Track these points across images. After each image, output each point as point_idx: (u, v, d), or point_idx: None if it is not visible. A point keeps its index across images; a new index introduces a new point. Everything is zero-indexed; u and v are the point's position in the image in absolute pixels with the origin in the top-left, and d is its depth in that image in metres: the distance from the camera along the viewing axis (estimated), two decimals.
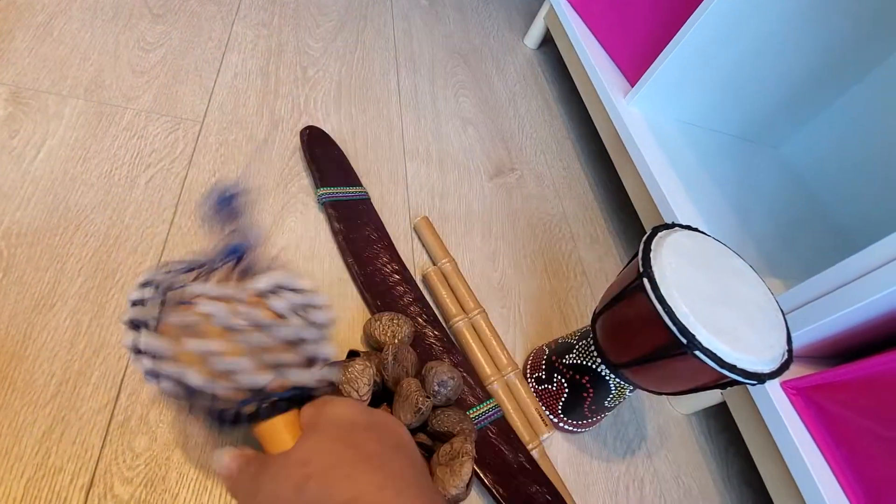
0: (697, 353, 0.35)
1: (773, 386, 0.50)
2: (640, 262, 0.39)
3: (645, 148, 0.71)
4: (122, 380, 0.43)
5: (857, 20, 0.70)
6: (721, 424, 0.62)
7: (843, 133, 0.83)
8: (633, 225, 0.82)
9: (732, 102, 0.80)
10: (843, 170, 0.82)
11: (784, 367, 0.37)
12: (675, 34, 0.69)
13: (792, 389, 0.51)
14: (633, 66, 0.81)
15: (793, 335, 0.40)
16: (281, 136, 0.67)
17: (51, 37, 0.64)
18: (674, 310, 0.37)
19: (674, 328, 0.36)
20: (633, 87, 0.77)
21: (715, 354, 0.35)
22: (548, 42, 1.10)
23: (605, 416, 0.53)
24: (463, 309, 0.57)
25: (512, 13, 1.17)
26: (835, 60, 0.76)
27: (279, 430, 0.30)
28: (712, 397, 0.57)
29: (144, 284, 0.32)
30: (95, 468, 0.38)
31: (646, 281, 0.38)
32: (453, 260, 0.61)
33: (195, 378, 0.29)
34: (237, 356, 0.29)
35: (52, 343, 0.43)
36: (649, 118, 0.76)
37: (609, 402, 0.49)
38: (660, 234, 0.42)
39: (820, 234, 0.77)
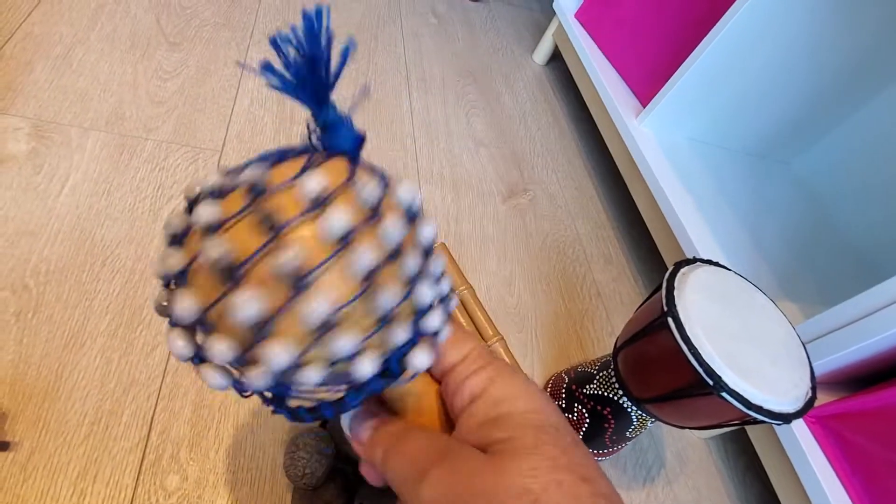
0: (724, 394, 0.36)
1: None
2: (664, 301, 0.40)
3: (657, 168, 0.71)
4: (153, 417, 0.43)
5: (871, 37, 0.70)
6: (739, 447, 0.62)
7: (857, 150, 0.83)
8: (646, 244, 0.83)
9: (744, 120, 0.80)
10: (856, 187, 0.83)
11: (808, 406, 0.38)
12: (687, 54, 0.70)
13: (811, 417, 0.51)
14: (645, 86, 0.81)
15: (813, 364, 0.41)
16: None
17: (70, 68, 0.65)
18: (699, 350, 0.37)
19: (700, 369, 0.37)
20: (644, 107, 0.78)
21: (741, 396, 0.36)
22: (557, 57, 1.11)
23: (626, 445, 0.54)
24: (482, 337, 0.58)
25: (520, 29, 1.17)
26: (847, 77, 0.76)
27: (425, 395, 0.22)
28: None
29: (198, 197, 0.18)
30: None
31: (670, 320, 0.39)
32: (471, 287, 0.61)
33: (364, 366, 0.17)
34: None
35: (84, 382, 0.43)
36: (661, 138, 0.77)
37: (630, 432, 0.49)
38: (682, 270, 0.42)
39: (834, 252, 0.77)
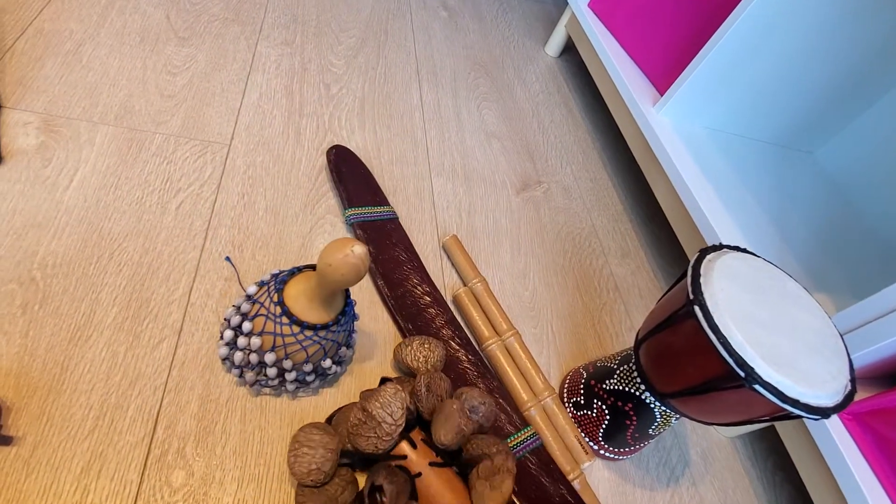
0: (757, 387, 0.33)
1: None
2: (690, 288, 0.38)
3: (677, 157, 0.69)
4: (159, 412, 0.42)
5: (893, 24, 0.67)
6: (768, 447, 0.60)
7: (881, 138, 0.79)
8: (665, 237, 0.80)
9: (765, 108, 0.77)
10: (881, 176, 0.79)
11: (848, 400, 0.35)
12: (705, 41, 0.67)
13: (847, 414, 0.48)
14: (662, 75, 0.79)
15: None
16: (307, 156, 0.67)
17: (80, 63, 0.65)
18: (729, 339, 0.35)
19: (730, 360, 0.34)
20: (662, 95, 0.75)
21: (776, 389, 0.33)
22: (569, 49, 1.09)
23: (648, 443, 0.52)
24: (496, 331, 0.56)
25: (531, 21, 1.15)
26: (869, 65, 0.73)
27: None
28: None
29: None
30: None
31: (697, 308, 0.36)
32: (484, 280, 0.60)
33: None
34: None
35: (89, 376, 0.42)
36: (680, 127, 0.74)
37: (653, 430, 0.47)
38: (708, 256, 0.40)
39: (861, 243, 0.73)
